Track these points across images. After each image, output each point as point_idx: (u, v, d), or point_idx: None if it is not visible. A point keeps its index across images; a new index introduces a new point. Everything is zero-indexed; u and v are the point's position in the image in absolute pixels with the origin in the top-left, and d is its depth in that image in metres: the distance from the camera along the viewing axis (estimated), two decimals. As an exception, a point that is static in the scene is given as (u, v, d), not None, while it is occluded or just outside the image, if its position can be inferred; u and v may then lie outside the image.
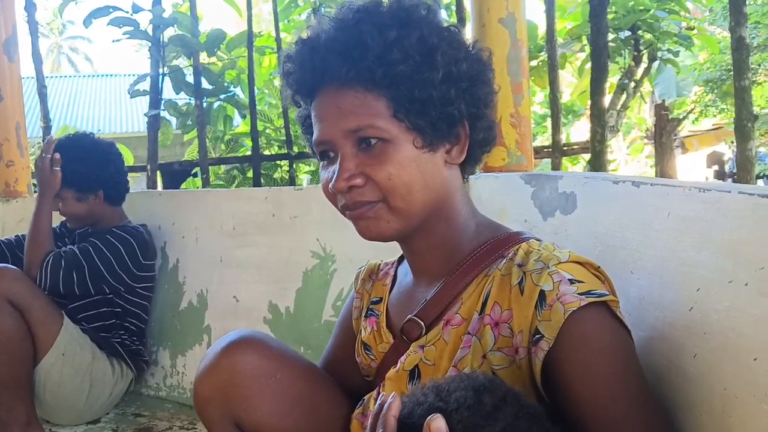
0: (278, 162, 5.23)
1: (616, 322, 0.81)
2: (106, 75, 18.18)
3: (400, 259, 1.08)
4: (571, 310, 0.78)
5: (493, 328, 0.85)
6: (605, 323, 0.80)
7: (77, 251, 1.98)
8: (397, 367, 0.95)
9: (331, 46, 0.87)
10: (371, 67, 0.84)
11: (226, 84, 4.79)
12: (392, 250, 1.09)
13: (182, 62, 4.50)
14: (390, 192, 0.87)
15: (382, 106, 0.86)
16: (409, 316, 0.95)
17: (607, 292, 0.81)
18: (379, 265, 1.13)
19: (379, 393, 0.98)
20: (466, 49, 0.91)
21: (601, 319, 0.80)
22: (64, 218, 2.28)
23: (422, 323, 0.93)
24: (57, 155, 2.03)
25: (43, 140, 3.87)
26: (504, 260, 0.88)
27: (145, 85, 4.27)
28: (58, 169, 2.03)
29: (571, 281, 0.80)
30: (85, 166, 2.07)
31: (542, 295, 0.80)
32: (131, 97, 4.53)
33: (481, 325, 0.86)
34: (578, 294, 0.79)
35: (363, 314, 1.09)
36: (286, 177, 4.79)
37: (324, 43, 0.88)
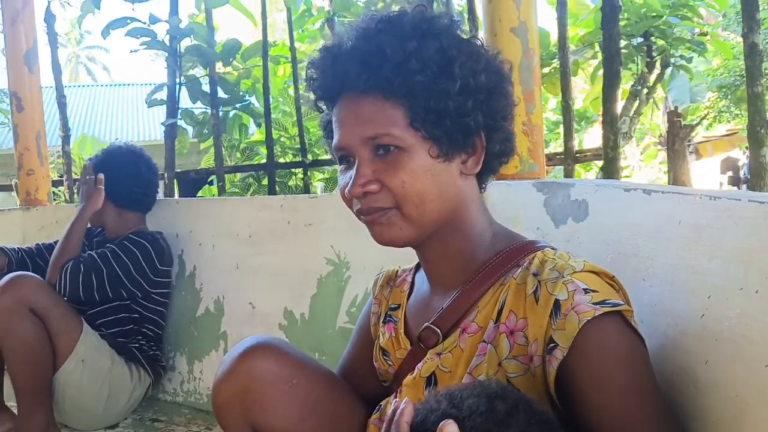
0: (293, 170, 5.26)
1: (630, 332, 0.82)
2: (124, 84, 18.36)
3: (418, 266, 1.09)
4: (585, 320, 0.79)
5: (509, 336, 0.86)
6: (619, 332, 0.81)
7: (96, 256, 2.02)
8: (414, 373, 0.96)
9: (351, 55, 0.89)
10: (389, 77, 0.86)
11: (241, 93, 4.82)
12: (407, 258, 1.11)
13: (198, 72, 4.54)
14: (403, 200, 0.88)
15: (400, 115, 0.88)
16: (425, 324, 0.96)
17: (622, 302, 0.82)
18: (397, 271, 1.14)
19: (396, 399, 1.00)
20: (486, 61, 0.92)
21: (615, 329, 0.80)
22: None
23: (439, 331, 0.94)
24: (101, 175, 2.11)
25: (62, 149, 3.93)
26: (519, 269, 0.89)
27: (162, 95, 4.31)
28: (102, 187, 2.10)
29: (586, 291, 0.81)
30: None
31: (557, 304, 0.81)
32: (148, 107, 4.58)
33: (496, 334, 0.87)
34: (593, 303, 0.79)
35: (381, 320, 1.10)
36: (301, 185, 4.82)
37: (345, 51, 0.90)
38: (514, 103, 0.97)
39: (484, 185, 1.00)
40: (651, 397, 0.80)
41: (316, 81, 0.95)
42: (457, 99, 0.87)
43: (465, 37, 0.93)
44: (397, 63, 0.86)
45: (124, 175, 2.19)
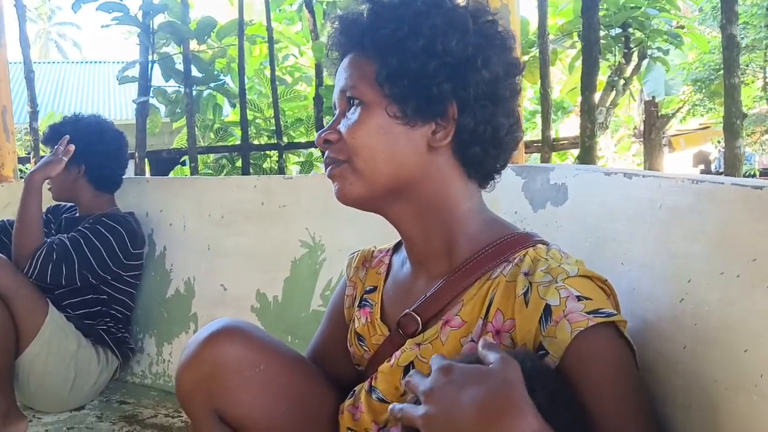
0: (267, 152, 5.19)
1: (622, 343, 0.80)
2: (95, 62, 17.98)
3: (395, 248, 1.07)
4: (578, 330, 0.77)
5: (495, 336, 0.84)
6: (612, 344, 0.79)
7: (68, 243, 1.94)
8: (392, 361, 0.94)
9: (349, 19, 0.92)
10: (364, 33, 0.88)
11: (216, 72, 4.73)
12: (384, 240, 1.08)
13: (172, 49, 4.43)
14: (353, 152, 0.88)
15: (370, 71, 0.88)
16: (406, 310, 0.93)
17: (615, 312, 0.80)
18: (373, 251, 1.10)
19: (371, 385, 0.97)
20: (472, 33, 0.87)
21: (608, 340, 0.79)
22: (50, 205, 2.26)
23: (419, 319, 0.92)
24: (71, 147, 2.01)
25: (30, 125, 3.83)
26: (510, 265, 0.87)
27: (134, 72, 4.20)
28: (65, 159, 2.00)
29: (579, 298, 0.79)
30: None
31: (548, 309, 0.79)
32: (120, 84, 4.47)
33: (483, 332, 0.85)
34: (586, 313, 0.78)
35: (356, 303, 1.07)
36: (276, 167, 4.76)
37: (347, 16, 0.92)
38: (513, 92, 0.92)
39: (482, 182, 0.96)
40: (640, 408, 0.79)
41: (330, 50, 0.97)
42: (420, 59, 0.85)
43: (461, 15, 0.89)
44: (377, 22, 0.88)
45: (102, 153, 2.12)
